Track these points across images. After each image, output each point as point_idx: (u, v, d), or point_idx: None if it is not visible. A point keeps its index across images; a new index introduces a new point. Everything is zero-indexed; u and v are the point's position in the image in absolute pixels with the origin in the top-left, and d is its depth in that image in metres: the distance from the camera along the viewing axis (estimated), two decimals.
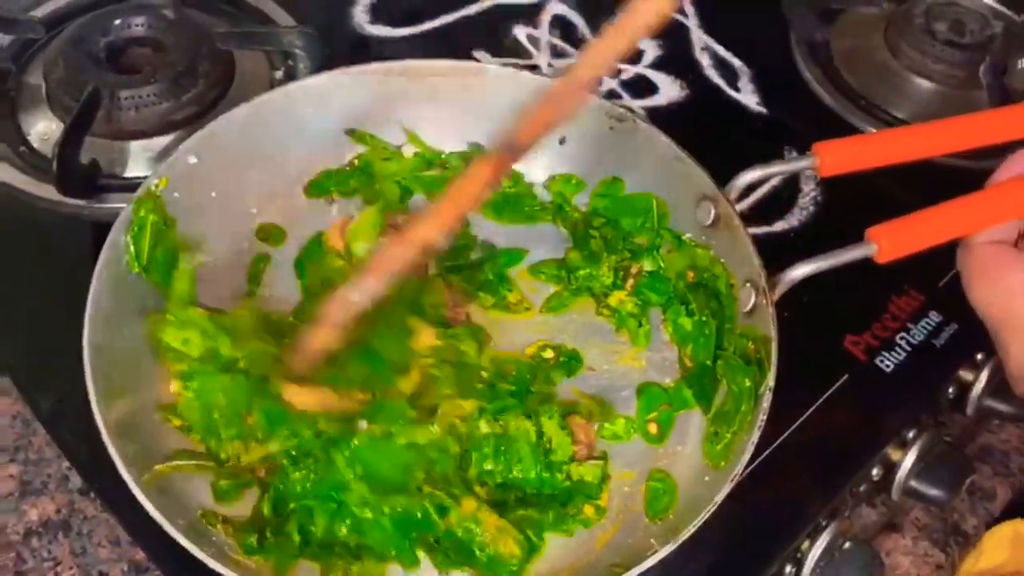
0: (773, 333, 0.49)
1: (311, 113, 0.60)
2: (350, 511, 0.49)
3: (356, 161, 0.62)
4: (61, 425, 0.57)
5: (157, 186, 0.55)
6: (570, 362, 0.57)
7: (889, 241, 0.49)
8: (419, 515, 0.48)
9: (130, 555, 0.56)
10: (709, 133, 0.73)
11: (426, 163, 0.63)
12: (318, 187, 0.62)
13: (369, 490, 0.48)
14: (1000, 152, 0.53)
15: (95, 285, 0.50)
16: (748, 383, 0.51)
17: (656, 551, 0.44)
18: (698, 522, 0.44)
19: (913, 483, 0.61)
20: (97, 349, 0.48)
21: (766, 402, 0.48)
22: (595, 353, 0.58)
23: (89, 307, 0.49)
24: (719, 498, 0.45)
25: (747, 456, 0.46)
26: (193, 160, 0.56)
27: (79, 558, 0.56)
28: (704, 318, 0.55)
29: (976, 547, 0.63)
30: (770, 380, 0.48)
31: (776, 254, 0.53)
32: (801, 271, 0.49)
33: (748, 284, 0.52)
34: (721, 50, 0.82)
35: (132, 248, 0.53)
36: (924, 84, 0.79)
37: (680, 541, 0.44)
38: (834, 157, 0.53)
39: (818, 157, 0.53)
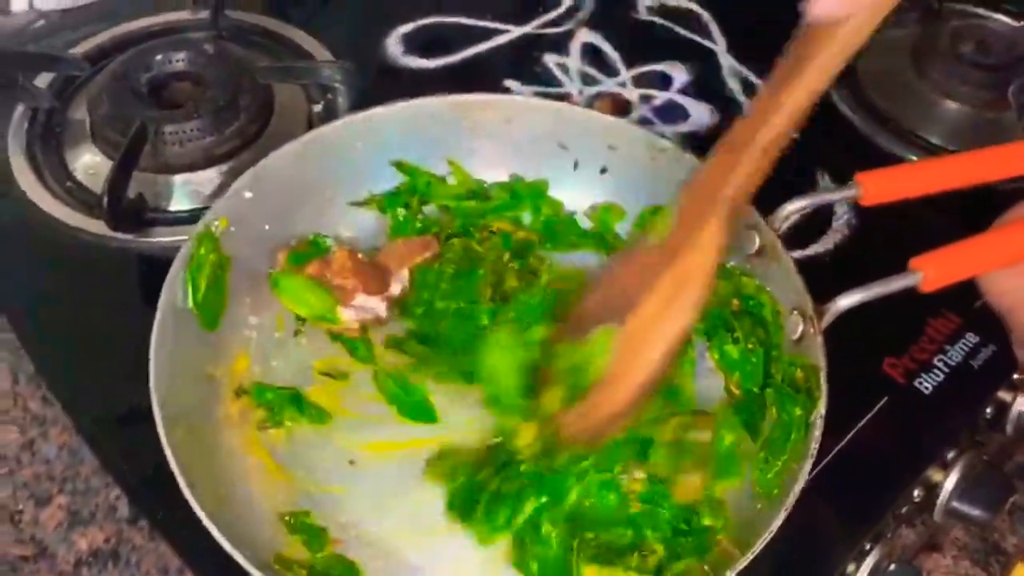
0: (822, 362, 0.50)
1: (360, 146, 0.61)
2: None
3: (401, 187, 0.64)
4: (114, 454, 0.58)
5: (218, 226, 0.56)
6: None
7: (935, 270, 0.49)
8: None
9: None
10: None
11: (469, 193, 0.64)
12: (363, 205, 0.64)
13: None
14: None
15: (158, 328, 0.51)
16: (799, 411, 0.51)
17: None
18: (757, 549, 0.44)
19: (955, 504, 0.61)
20: (159, 379, 0.49)
21: (818, 430, 0.48)
22: None
23: (153, 351, 0.50)
24: (775, 526, 0.45)
25: (801, 484, 0.47)
26: (248, 195, 0.57)
27: None
28: (751, 346, 0.56)
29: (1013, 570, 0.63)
30: (821, 408, 0.49)
31: (812, 278, 0.54)
32: (848, 300, 0.50)
33: (795, 312, 0.53)
34: (750, 75, 0.83)
35: (189, 284, 0.54)
36: (952, 106, 0.79)
37: (736, 570, 0.44)
38: (876, 187, 0.54)
39: (861, 187, 0.54)
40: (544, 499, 0.51)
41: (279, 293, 0.58)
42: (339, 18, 0.86)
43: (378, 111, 0.61)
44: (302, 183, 0.60)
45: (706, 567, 0.48)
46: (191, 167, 0.70)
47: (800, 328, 0.52)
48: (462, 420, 0.56)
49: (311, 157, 0.60)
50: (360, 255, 0.60)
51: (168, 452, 0.46)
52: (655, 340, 0.47)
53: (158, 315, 0.51)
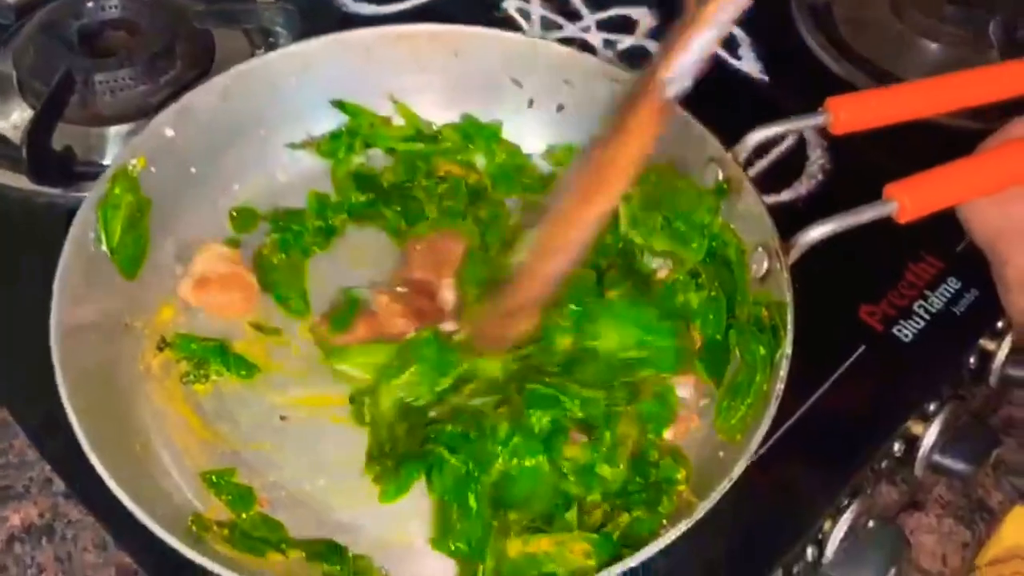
0: (789, 298, 0.47)
1: (295, 82, 0.58)
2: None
3: (342, 128, 0.60)
4: (39, 425, 0.54)
5: (135, 166, 0.52)
6: None
7: (911, 198, 0.46)
8: None
9: (117, 560, 0.53)
10: (711, 104, 0.70)
11: (417, 135, 0.60)
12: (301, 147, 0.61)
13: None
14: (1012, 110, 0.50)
15: (63, 262, 0.47)
16: (763, 351, 0.48)
17: (670, 529, 0.41)
18: (715, 497, 0.41)
19: (937, 457, 0.58)
20: (66, 332, 0.46)
21: (783, 370, 0.45)
22: None
23: (57, 285, 0.47)
24: (736, 472, 0.42)
25: (764, 428, 0.43)
26: (170, 133, 0.54)
27: (64, 564, 0.53)
28: (713, 292, 0.52)
29: (997, 531, 0.60)
30: (787, 347, 0.46)
31: (785, 223, 0.51)
32: (818, 232, 0.47)
33: (761, 249, 0.50)
34: None
35: (102, 227, 0.50)
36: (931, 46, 0.76)
37: (695, 519, 0.41)
38: (847, 113, 0.51)
39: (830, 113, 0.51)
40: (469, 466, 0.47)
41: (346, 370, 0.53)
42: None
43: (312, 43, 0.57)
44: (230, 122, 0.56)
45: (664, 521, 0.44)
46: (125, 118, 0.66)
47: (765, 264, 0.49)
48: None
49: (239, 93, 0.56)
50: (399, 289, 0.54)
51: (68, 407, 0.43)
52: (572, 226, 0.45)
53: (62, 260, 0.47)
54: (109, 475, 0.40)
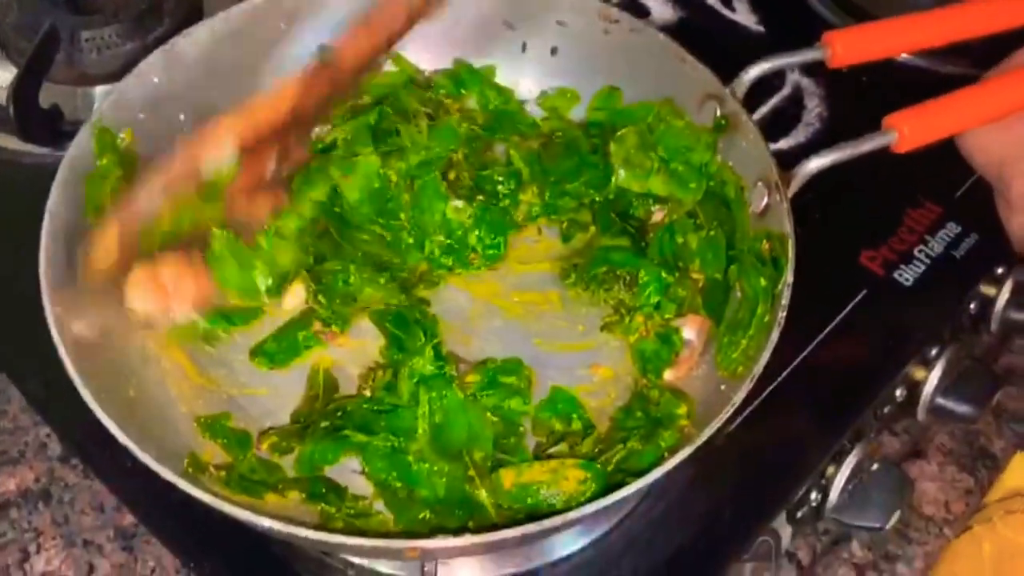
0: (789, 229, 0.46)
1: (284, 27, 0.56)
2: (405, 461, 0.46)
3: None
4: (36, 387, 0.54)
5: (123, 139, 0.52)
6: None
7: (910, 128, 0.45)
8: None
9: (116, 521, 0.53)
10: (706, 55, 0.69)
11: (409, 81, 0.59)
12: None
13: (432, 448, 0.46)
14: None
15: (51, 207, 0.47)
16: (764, 283, 0.48)
17: (670, 457, 0.40)
18: (716, 425, 0.40)
19: (940, 400, 0.58)
20: (56, 291, 0.45)
21: (785, 299, 0.45)
22: None
23: (43, 245, 0.46)
24: (738, 398, 0.41)
25: (766, 357, 0.43)
26: (156, 79, 0.53)
27: (62, 527, 0.53)
28: (712, 231, 0.52)
29: (1000, 476, 0.60)
30: (788, 276, 0.46)
31: (785, 169, 0.50)
32: (817, 163, 0.46)
33: (760, 183, 0.49)
34: None
35: (88, 195, 0.50)
36: None
37: (696, 445, 0.41)
38: (843, 47, 0.50)
39: (829, 47, 0.50)
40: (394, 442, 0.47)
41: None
42: None
43: None
44: (218, 69, 0.54)
45: (665, 453, 0.44)
46: (112, 76, 0.65)
47: (765, 199, 0.49)
48: None
49: (228, 39, 0.55)
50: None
51: (65, 358, 0.42)
52: None
53: (45, 225, 0.47)
54: (106, 416, 0.39)
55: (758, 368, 0.42)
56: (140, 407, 0.45)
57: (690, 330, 0.51)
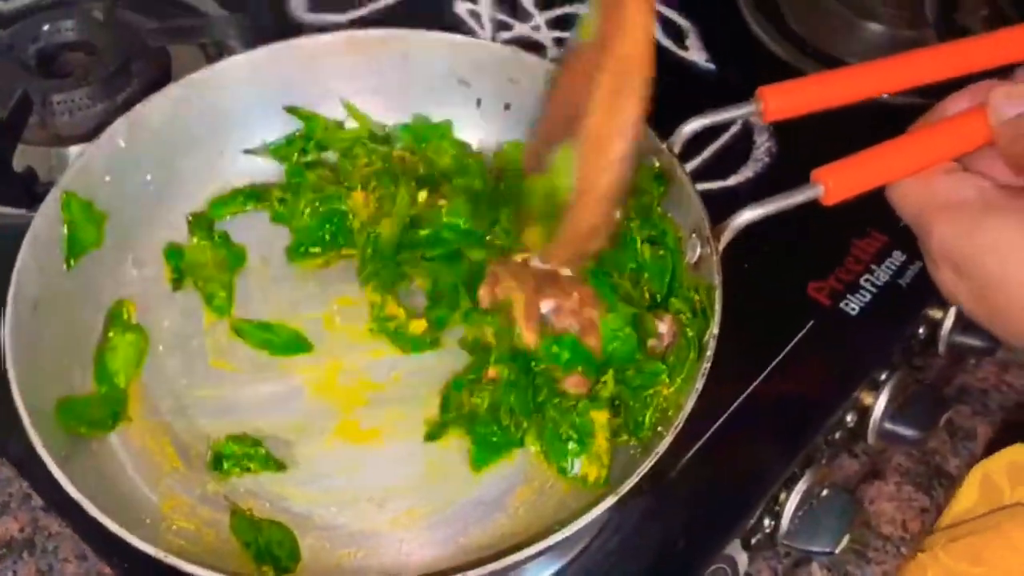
0: (717, 281, 0.48)
1: (246, 90, 0.59)
2: None
3: (296, 134, 0.61)
4: (12, 441, 0.54)
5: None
6: None
7: (835, 182, 0.47)
8: None
9: (99, 569, 0.54)
10: (659, 94, 0.71)
11: (370, 137, 0.61)
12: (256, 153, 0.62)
13: None
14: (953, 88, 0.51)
15: (18, 272, 0.49)
16: (691, 333, 0.50)
17: (595, 505, 0.42)
18: (642, 470, 0.42)
19: (888, 425, 0.60)
20: (23, 356, 0.47)
21: (710, 351, 0.47)
22: None
23: (11, 296, 0.48)
24: (663, 447, 0.43)
25: (689, 407, 0.45)
26: (122, 143, 0.55)
27: None
28: (662, 252, 0.54)
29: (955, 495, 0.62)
30: (714, 328, 0.47)
31: (731, 207, 0.51)
32: (747, 216, 0.48)
33: (694, 235, 0.51)
34: (666, 10, 0.81)
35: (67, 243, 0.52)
36: (873, 27, 0.78)
37: (621, 494, 0.43)
38: (779, 101, 0.51)
39: (762, 102, 0.51)
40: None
41: None
42: None
43: (261, 51, 0.58)
44: (184, 130, 0.57)
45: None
46: (84, 137, 0.67)
47: (698, 250, 0.51)
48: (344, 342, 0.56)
49: (192, 102, 0.57)
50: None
51: (28, 424, 0.44)
52: (611, 139, 0.45)
53: (13, 286, 0.48)
54: (65, 478, 0.42)
55: (680, 420, 0.44)
56: (104, 463, 0.47)
57: (663, 324, 0.53)
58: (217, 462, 0.51)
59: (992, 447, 0.67)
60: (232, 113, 0.59)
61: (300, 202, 0.58)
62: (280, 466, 0.51)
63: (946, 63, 0.52)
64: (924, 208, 0.46)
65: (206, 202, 0.59)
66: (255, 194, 0.60)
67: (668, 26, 0.79)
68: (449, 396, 0.52)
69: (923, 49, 0.53)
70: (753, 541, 0.55)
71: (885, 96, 0.52)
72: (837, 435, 0.59)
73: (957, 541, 0.55)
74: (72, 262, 0.53)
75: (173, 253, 0.58)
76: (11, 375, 0.46)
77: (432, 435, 0.52)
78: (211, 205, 0.60)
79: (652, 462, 0.43)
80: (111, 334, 0.54)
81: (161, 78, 0.71)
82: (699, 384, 0.45)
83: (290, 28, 0.78)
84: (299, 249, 0.58)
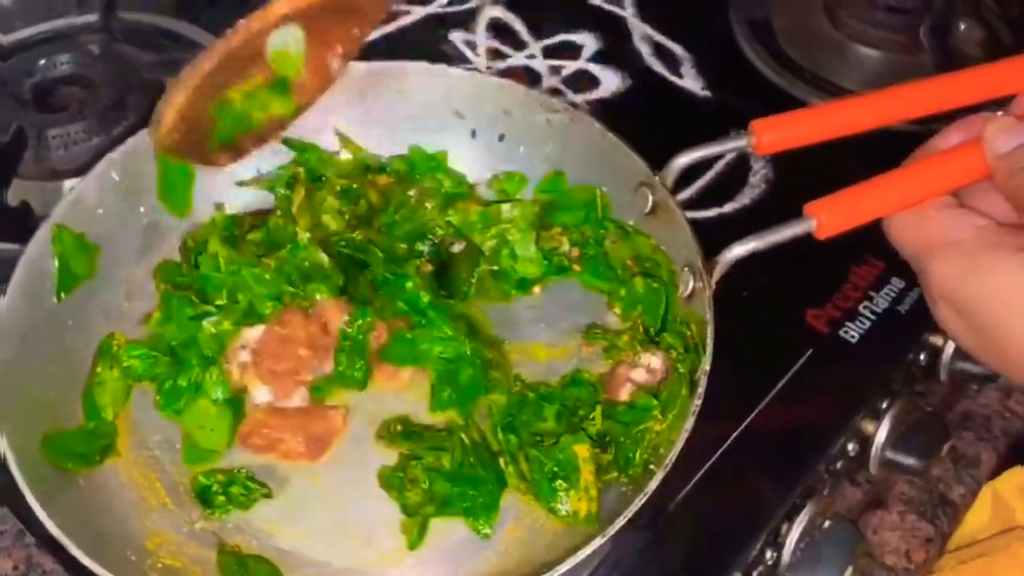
0: (709, 316, 0.48)
1: None
2: None
3: (290, 164, 0.61)
4: (4, 481, 0.54)
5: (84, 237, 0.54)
6: None
7: (828, 216, 0.47)
8: None
9: None
10: (655, 122, 0.72)
11: (364, 168, 0.61)
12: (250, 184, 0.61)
13: None
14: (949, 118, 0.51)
15: (6, 307, 0.49)
16: (682, 369, 0.50)
17: (585, 545, 0.42)
18: (631, 511, 0.42)
19: (889, 454, 0.59)
20: (5, 368, 0.47)
21: (701, 387, 0.46)
22: None
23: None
24: (651, 487, 0.43)
25: (680, 444, 0.44)
26: (115, 176, 0.55)
27: None
28: (656, 285, 0.54)
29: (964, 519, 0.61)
30: (705, 364, 0.47)
31: (727, 235, 0.51)
32: (739, 250, 0.48)
33: (687, 268, 0.51)
34: (661, 38, 0.81)
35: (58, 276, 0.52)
36: (869, 52, 0.78)
37: (610, 535, 0.42)
38: (771, 134, 0.51)
39: (754, 135, 0.51)
40: None
41: None
42: (238, 14, 0.83)
43: None
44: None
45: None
46: (80, 171, 0.66)
47: (691, 284, 0.50)
48: None
49: None
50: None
51: (10, 459, 0.44)
52: None
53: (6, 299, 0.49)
54: (46, 515, 0.42)
55: (671, 457, 0.43)
56: (90, 498, 0.47)
57: (656, 359, 0.53)
58: (204, 493, 0.50)
59: (996, 474, 0.66)
60: None
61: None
62: (265, 490, 0.51)
63: (944, 95, 0.52)
64: (921, 245, 0.46)
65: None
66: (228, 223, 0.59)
67: (663, 54, 0.80)
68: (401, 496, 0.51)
69: (919, 81, 0.53)
70: (754, 574, 0.54)
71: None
72: (838, 464, 0.59)
73: (967, 564, 0.55)
74: (63, 295, 0.53)
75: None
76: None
77: (413, 544, 0.50)
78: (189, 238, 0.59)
79: (642, 501, 0.42)
80: (99, 368, 0.53)
81: None
82: (690, 423, 0.44)
83: None
84: None
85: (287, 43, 0.51)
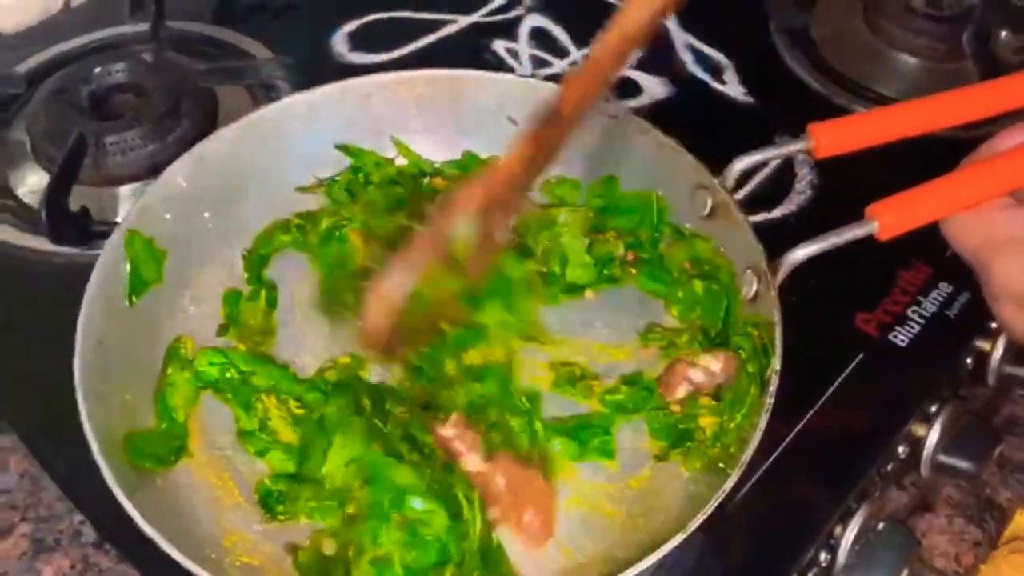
0: (777, 318, 0.48)
1: (300, 130, 0.60)
2: None
3: (348, 170, 0.62)
4: (72, 478, 0.56)
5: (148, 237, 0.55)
6: None
7: (891, 217, 0.48)
8: None
9: None
10: (699, 128, 0.71)
11: (420, 173, 0.62)
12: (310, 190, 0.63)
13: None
14: (994, 123, 0.52)
15: (85, 310, 0.50)
16: (751, 369, 0.50)
17: (664, 544, 0.42)
18: (709, 509, 0.43)
19: (941, 457, 0.59)
20: (88, 369, 0.48)
21: (773, 386, 0.47)
22: None
23: (80, 332, 0.49)
24: (728, 485, 0.44)
25: (755, 441, 0.45)
26: (183, 183, 0.56)
27: None
28: (715, 286, 0.55)
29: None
30: (776, 364, 0.47)
31: (776, 240, 0.52)
32: (802, 252, 0.48)
33: (749, 271, 0.52)
34: (703, 46, 0.82)
35: (129, 280, 0.53)
36: (909, 60, 0.79)
37: (689, 531, 0.43)
38: (829, 138, 0.52)
39: (813, 139, 0.52)
40: None
41: None
42: (284, 22, 0.85)
43: (316, 91, 0.59)
44: (241, 169, 0.58)
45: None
46: (136, 177, 0.69)
47: (755, 287, 0.51)
48: None
49: (249, 141, 0.58)
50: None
51: (98, 457, 0.45)
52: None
53: (83, 307, 0.49)
54: (130, 504, 0.43)
55: (747, 455, 0.44)
56: (167, 497, 0.48)
57: (716, 362, 0.53)
58: (266, 497, 0.51)
59: None
60: (287, 151, 0.60)
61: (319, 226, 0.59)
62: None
63: (995, 100, 0.53)
64: (983, 244, 0.46)
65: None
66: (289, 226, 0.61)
67: (705, 61, 0.80)
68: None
69: (974, 86, 0.54)
70: None
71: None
72: (890, 467, 0.59)
73: (1018, 553, 0.55)
74: (134, 299, 0.54)
75: (230, 298, 0.59)
76: (81, 410, 0.47)
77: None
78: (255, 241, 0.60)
79: (721, 497, 0.42)
80: (170, 370, 0.54)
81: (209, 118, 0.72)
82: (763, 421, 0.45)
83: (334, 68, 0.79)
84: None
85: (464, 232, 0.48)
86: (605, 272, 0.59)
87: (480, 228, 0.46)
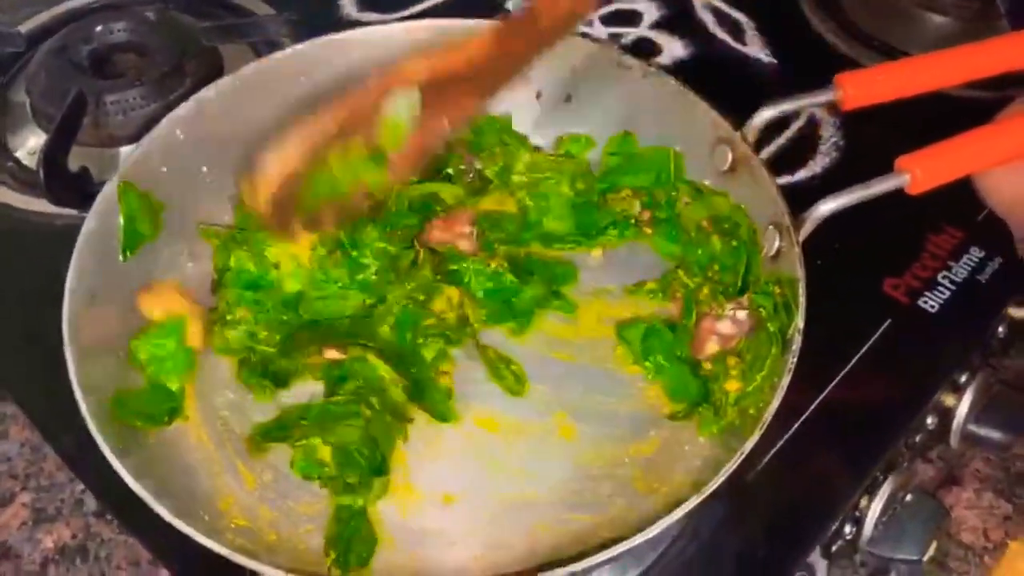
0: (800, 273, 0.46)
1: (306, 81, 0.58)
2: None
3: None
4: (72, 447, 0.55)
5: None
6: None
7: (923, 170, 0.45)
8: None
9: (152, 575, 0.53)
10: (720, 89, 0.69)
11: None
12: None
13: None
14: (1018, 80, 0.50)
15: (75, 261, 0.48)
16: (772, 328, 0.48)
17: (679, 506, 0.41)
18: (729, 468, 0.41)
19: (972, 427, 0.57)
20: (82, 348, 0.46)
21: (796, 344, 0.45)
22: None
23: (69, 284, 0.48)
24: (747, 447, 0.42)
25: (777, 403, 0.43)
26: (179, 134, 0.54)
27: None
28: (735, 243, 0.53)
29: None
30: (799, 321, 0.45)
31: (800, 202, 0.50)
32: (829, 206, 0.46)
33: (772, 227, 0.50)
34: (724, 5, 0.79)
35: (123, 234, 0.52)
36: (937, 19, 0.76)
37: (706, 493, 0.41)
38: (856, 89, 0.50)
39: (840, 89, 0.50)
40: None
41: None
42: None
43: (317, 42, 0.57)
44: (240, 122, 0.56)
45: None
46: (137, 137, 0.65)
47: (777, 243, 0.49)
48: None
49: (251, 93, 0.56)
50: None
51: (87, 415, 0.44)
52: None
53: (73, 261, 0.48)
54: (123, 468, 0.42)
55: (768, 417, 0.42)
56: (161, 458, 0.47)
57: (742, 311, 0.52)
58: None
59: None
60: (287, 105, 0.57)
61: None
62: None
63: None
64: (1019, 198, 0.44)
65: None
66: None
67: (725, 20, 0.78)
68: None
69: (1000, 37, 0.52)
70: (834, 548, 0.53)
71: (954, 90, 0.51)
72: (918, 438, 0.57)
73: None
74: (128, 253, 0.52)
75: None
76: (70, 366, 0.45)
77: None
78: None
79: (739, 460, 0.40)
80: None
81: (213, 77, 0.69)
82: (786, 381, 0.43)
83: (340, 27, 0.76)
84: None
85: (401, 110, 0.46)
86: (622, 232, 0.58)
87: (419, 111, 0.44)
